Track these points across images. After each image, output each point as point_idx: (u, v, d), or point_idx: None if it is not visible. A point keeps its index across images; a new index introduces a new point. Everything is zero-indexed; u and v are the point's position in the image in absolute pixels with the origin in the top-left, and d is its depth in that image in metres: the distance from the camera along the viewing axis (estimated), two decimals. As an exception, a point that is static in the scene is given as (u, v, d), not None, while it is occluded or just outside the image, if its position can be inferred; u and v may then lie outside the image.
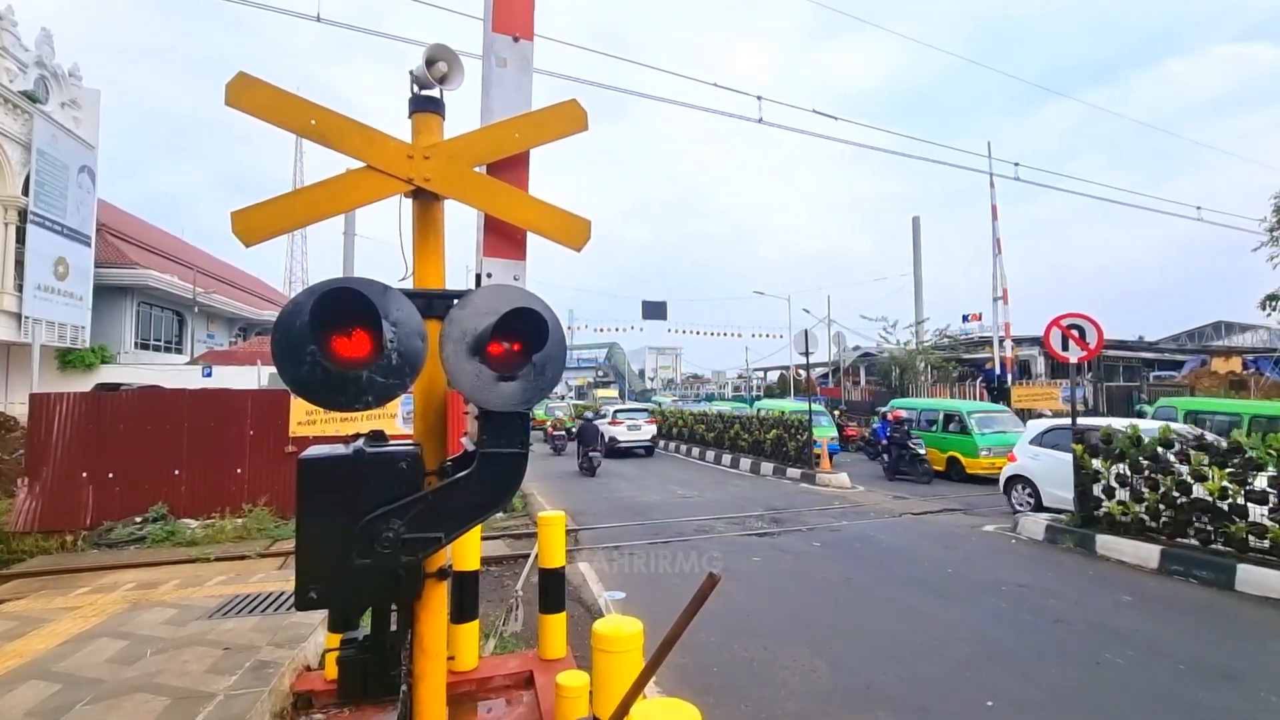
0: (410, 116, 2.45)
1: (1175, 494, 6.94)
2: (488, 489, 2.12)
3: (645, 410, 21.83)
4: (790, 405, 19.68)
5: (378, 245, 18.50)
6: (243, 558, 6.93)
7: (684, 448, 20.93)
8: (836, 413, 22.55)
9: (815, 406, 18.36)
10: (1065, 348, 8.84)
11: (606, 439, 18.41)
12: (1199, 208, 20.05)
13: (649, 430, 19.61)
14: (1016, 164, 16.39)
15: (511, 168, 2.53)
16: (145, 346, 24.51)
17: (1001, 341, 20.43)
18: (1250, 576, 6.01)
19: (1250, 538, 6.23)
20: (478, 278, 2.54)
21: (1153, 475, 7.19)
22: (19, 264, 17.83)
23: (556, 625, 4.22)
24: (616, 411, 20.95)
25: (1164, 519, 7.05)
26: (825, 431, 16.64)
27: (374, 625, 2.26)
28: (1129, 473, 7.47)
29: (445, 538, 2.04)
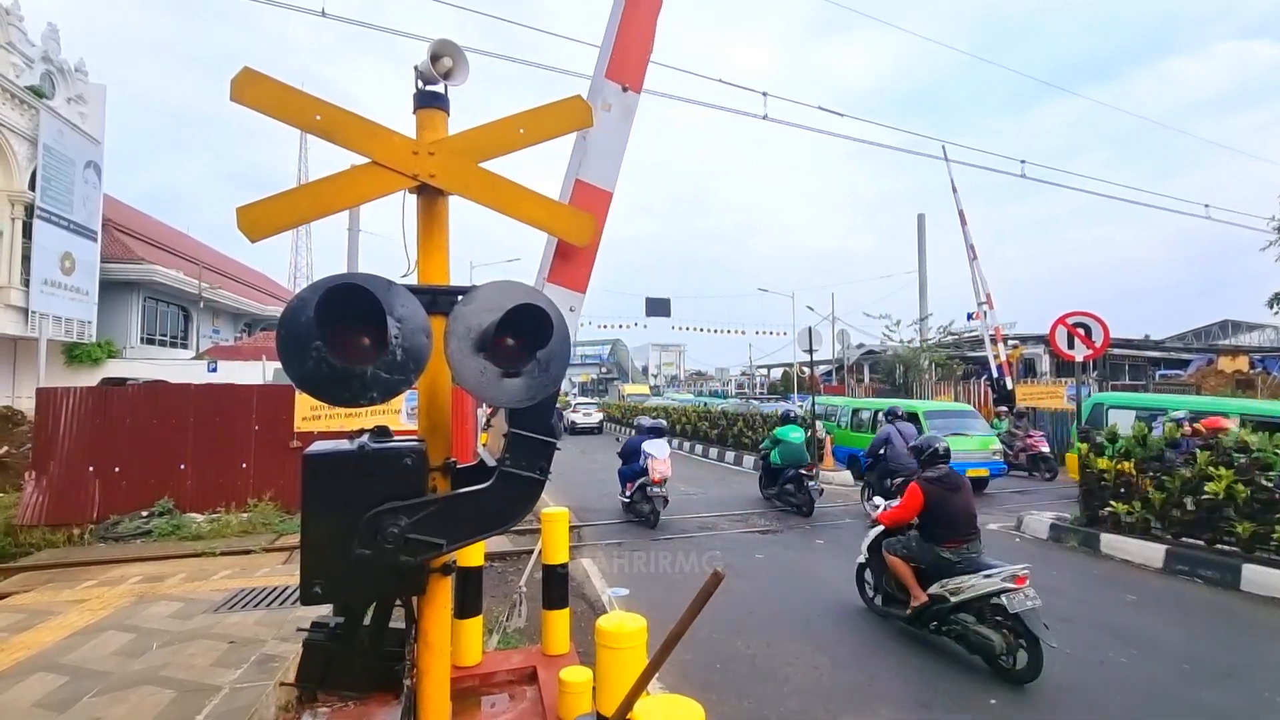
0: (415, 112, 2.45)
1: (1181, 494, 6.91)
2: (499, 507, 2.14)
3: (595, 403, 33.31)
4: (869, 403, 15.12)
5: (382, 241, 18.54)
6: (248, 552, 6.96)
7: (686, 444, 21.00)
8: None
9: (962, 405, 14.75)
10: (1071, 346, 8.81)
11: (568, 422, 27.66)
12: (1207, 205, 19.88)
13: (598, 416, 29.42)
14: (1023, 161, 16.26)
15: (594, 198, 2.54)
16: (151, 341, 24.59)
17: (993, 341, 20.37)
18: (1256, 576, 5.98)
19: (1256, 537, 6.20)
20: None
21: (1158, 475, 7.16)
22: (25, 259, 17.89)
23: (560, 621, 4.23)
24: (576, 404, 31.43)
25: (1169, 519, 7.02)
26: (983, 443, 12.07)
27: (346, 617, 2.24)
28: (1134, 473, 7.43)
29: (447, 546, 2.05)
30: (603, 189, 2.51)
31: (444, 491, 2.30)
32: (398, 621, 2.36)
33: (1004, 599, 4.23)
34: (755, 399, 33.34)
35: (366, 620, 2.30)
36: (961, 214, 21.54)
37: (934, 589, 4.72)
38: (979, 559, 4.75)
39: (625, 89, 2.55)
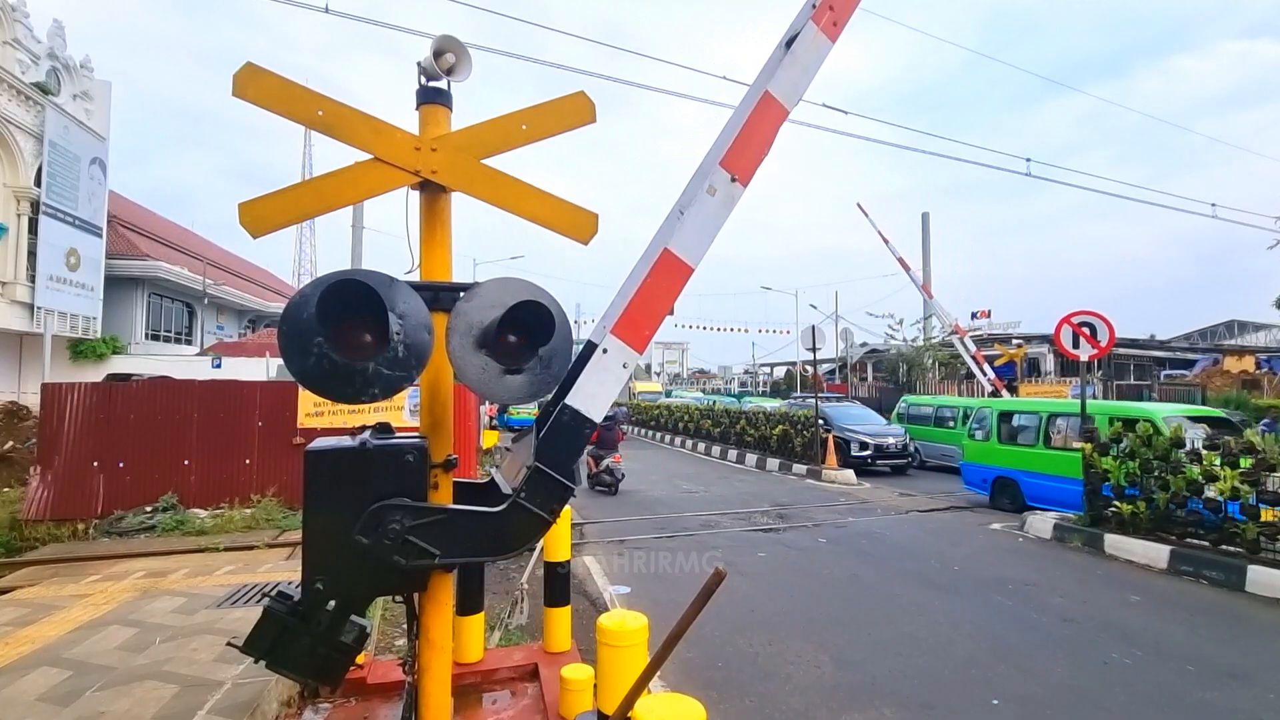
0: (418, 108, 2.44)
1: (1186, 494, 6.87)
2: (502, 537, 2.11)
3: None
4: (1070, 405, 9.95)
5: (386, 238, 18.57)
6: (251, 547, 6.98)
7: (689, 442, 21.00)
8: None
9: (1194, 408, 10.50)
10: (1076, 345, 8.76)
11: None
12: (1214, 204, 19.71)
13: None
14: (1028, 159, 16.21)
15: (675, 269, 2.53)
16: (156, 337, 24.69)
17: (971, 354, 20.79)
18: (1261, 577, 5.95)
19: (1262, 538, 6.17)
20: (589, 344, 2.46)
21: (1163, 475, 7.12)
22: (31, 255, 17.97)
23: (561, 619, 4.23)
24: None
25: (1174, 519, 6.98)
26: None
27: (308, 596, 2.19)
28: (1139, 472, 7.40)
29: (440, 558, 2.03)
30: (687, 263, 2.55)
31: (449, 493, 2.30)
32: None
33: (609, 464, 11.55)
34: (812, 398, 27.82)
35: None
36: (901, 260, 22.75)
37: (600, 466, 11.55)
38: (613, 453, 11.71)
39: (734, 179, 2.60)
